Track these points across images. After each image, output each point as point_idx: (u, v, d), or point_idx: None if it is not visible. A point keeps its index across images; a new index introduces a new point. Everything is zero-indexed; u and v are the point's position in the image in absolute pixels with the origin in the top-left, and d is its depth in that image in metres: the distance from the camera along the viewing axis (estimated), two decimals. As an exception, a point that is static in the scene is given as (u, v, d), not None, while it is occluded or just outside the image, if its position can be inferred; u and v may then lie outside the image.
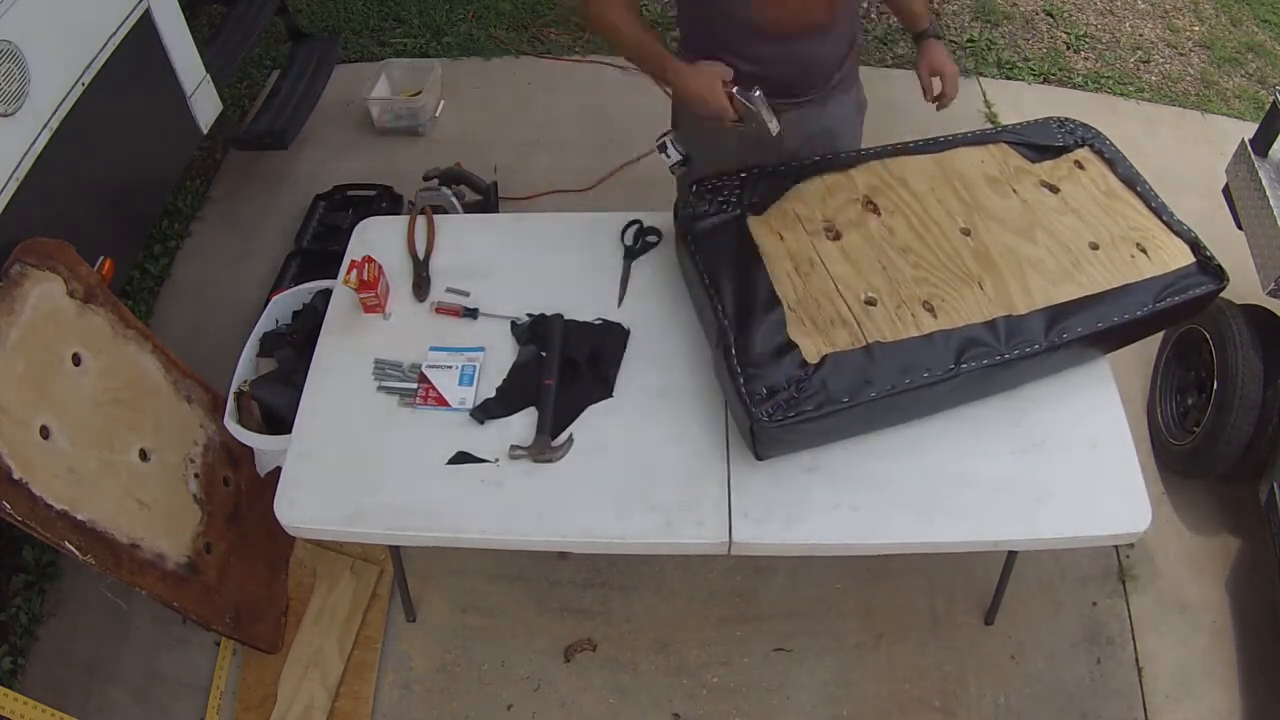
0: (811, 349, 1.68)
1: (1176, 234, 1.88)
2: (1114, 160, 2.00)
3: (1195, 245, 1.85)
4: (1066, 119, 2.09)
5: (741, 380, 1.64)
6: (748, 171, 1.94)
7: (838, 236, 1.86)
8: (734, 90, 1.73)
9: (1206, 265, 1.83)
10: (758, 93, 1.71)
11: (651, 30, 1.83)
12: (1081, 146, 2.04)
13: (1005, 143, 2.03)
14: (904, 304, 1.75)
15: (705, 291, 1.79)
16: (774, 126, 1.74)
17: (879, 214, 1.89)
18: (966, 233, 1.87)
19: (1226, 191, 2.49)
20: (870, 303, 1.76)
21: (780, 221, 1.89)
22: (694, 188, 1.93)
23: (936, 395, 1.70)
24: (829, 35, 1.85)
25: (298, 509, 1.69)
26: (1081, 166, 2.00)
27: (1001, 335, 1.71)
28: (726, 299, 1.76)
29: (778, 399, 1.62)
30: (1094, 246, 1.85)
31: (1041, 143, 2.03)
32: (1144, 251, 1.85)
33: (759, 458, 1.68)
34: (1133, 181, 1.96)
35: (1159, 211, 1.91)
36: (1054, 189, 1.96)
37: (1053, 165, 2.00)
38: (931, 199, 1.92)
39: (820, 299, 1.76)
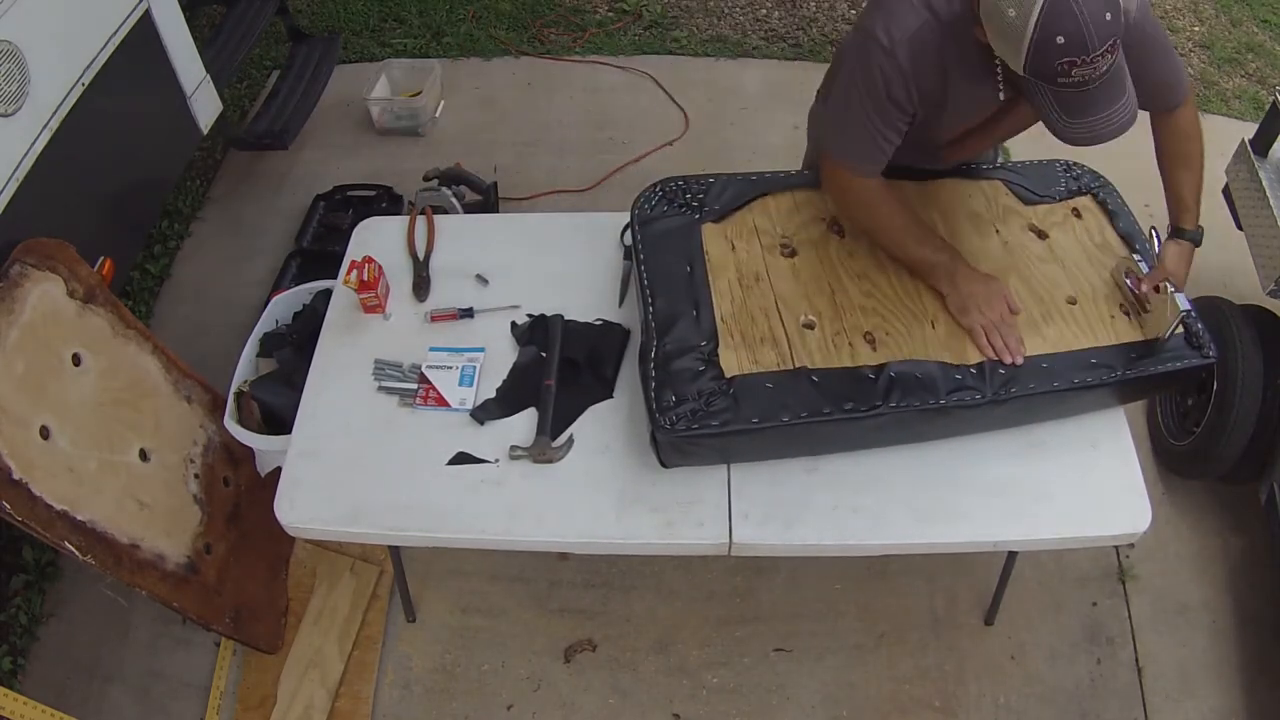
0: (733, 364, 1.64)
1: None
2: (1116, 213, 1.89)
3: (1185, 315, 1.70)
4: (1075, 163, 1.99)
5: (653, 385, 1.62)
6: (715, 177, 1.86)
7: (793, 254, 1.81)
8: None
9: (1194, 338, 1.70)
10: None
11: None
12: (1084, 194, 1.93)
13: (1000, 180, 1.93)
14: (843, 332, 1.69)
15: (641, 291, 1.77)
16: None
17: (843, 236, 1.83)
18: None
19: (1226, 191, 2.49)
20: (809, 326, 1.70)
21: (737, 231, 1.84)
22: (657, 186, 1.88)
23: (861, 431, 1.62)
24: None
25: (298, 509, 1.69)
26: (1079, 215, 1.90)
27: (941, 380, 1.62)
28: (660, 302, 1.73)
29: (684, 409, 1.58)
30: (1071, 301, 1.75)
31: (1041, 185, 1.92)
32: (1126, 314, 1.74)
33: (664, 465, 1.65)
34: (1132, 238, 1.84)
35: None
36: (1042, 234, 1.86)
37: (1047, 210, 1.89)
38: None
39: (756, 315, 1.71)
